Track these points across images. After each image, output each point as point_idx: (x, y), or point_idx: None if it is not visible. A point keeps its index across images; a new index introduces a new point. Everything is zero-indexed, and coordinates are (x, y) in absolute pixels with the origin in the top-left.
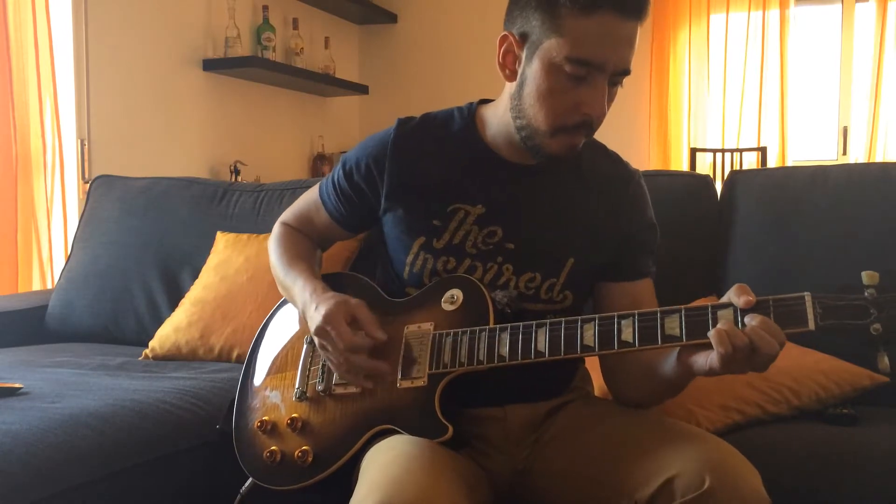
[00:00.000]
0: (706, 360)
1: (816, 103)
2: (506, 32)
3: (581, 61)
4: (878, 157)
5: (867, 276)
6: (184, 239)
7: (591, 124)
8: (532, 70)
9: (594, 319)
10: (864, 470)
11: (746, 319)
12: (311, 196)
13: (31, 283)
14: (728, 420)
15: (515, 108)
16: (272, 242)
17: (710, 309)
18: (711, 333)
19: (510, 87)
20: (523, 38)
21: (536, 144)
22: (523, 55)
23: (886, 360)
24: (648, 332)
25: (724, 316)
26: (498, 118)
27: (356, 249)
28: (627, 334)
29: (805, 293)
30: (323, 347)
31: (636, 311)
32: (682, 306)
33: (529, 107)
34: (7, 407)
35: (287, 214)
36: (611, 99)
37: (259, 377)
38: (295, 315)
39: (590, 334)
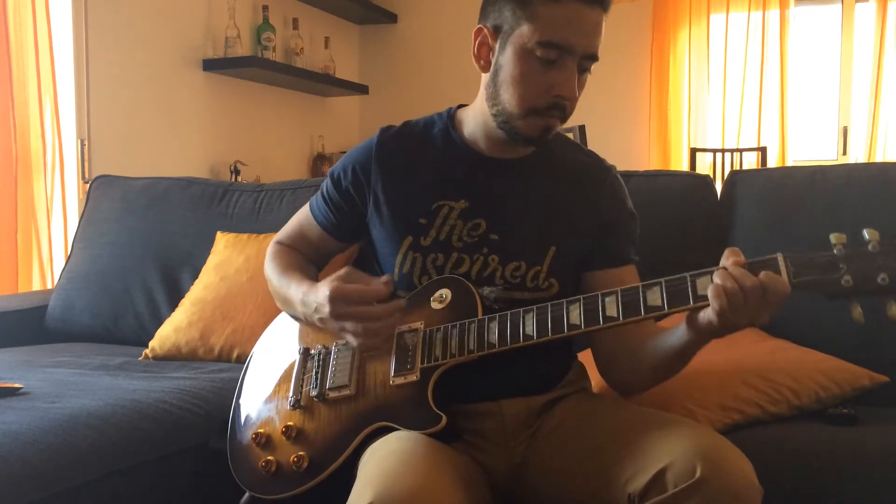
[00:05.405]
0: (704, 313)
1: (816, 103)
2: (480, 26)
3: (551, 44)
4: (878, 157)
5: (835, 237)
6: (184, 239)
7: (564, 107)
8: (505, 57)
9: (579, 300)
10: (864, 470)
11: None
12: (302, 213)
13: (31, 283)
14: (728, 420)
15: (491, 97)
16: (268, 260)
17: (688, 277)
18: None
19: (485, 78)
20: (496, 29)
21: (512, 127)
22: (497, 45)
23: (859, 309)
24: (631, 305)
25: (703, 283)
26: (475, 113)
27: (356, 249)
28: (611, 309)
29: (777, 254)
30: (342, 328)
31: (618, 288)
32: (663, 279)
33: (504, 92)
34: (7, 407)
35: (280, 234)
36: (581, 86)
37: (252, 395)
38: (286, 334)
39: (575, 314)
